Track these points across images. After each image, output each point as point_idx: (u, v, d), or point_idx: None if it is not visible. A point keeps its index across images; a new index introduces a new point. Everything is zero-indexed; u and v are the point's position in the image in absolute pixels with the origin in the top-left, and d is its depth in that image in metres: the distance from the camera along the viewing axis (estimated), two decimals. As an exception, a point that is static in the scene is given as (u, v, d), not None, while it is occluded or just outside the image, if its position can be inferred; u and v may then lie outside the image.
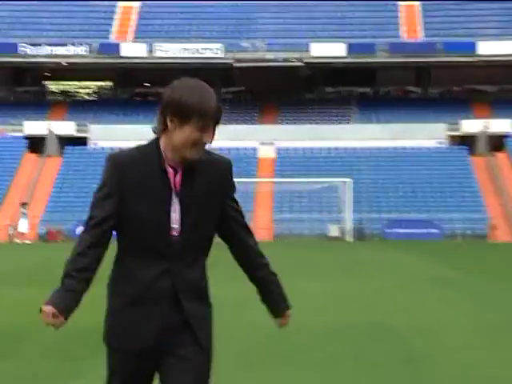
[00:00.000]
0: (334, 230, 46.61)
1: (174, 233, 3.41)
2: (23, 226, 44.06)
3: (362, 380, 7.16)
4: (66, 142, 55.97)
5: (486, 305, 13.03)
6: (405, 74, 60.76)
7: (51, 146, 55.72)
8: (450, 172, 52.07)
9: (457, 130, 56.24)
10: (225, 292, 12.94)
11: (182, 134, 3.31)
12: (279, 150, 54.84)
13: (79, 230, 45.02)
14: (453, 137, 56.31)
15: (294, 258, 26.29)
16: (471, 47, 56.04)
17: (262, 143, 55.03)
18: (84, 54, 56.94)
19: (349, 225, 46.01)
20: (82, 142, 56.14)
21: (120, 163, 3.39)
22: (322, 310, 12.38)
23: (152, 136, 3.44)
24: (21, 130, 56.60)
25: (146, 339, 3.42)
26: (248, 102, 59.22)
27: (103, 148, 54.54)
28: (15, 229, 44.66)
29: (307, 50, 56.70)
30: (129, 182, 3.37)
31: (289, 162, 54.02)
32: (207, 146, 3.39)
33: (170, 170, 3.39)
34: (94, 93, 65.07)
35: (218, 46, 56.85)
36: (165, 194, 3.39)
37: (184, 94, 3.28)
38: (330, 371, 7.52)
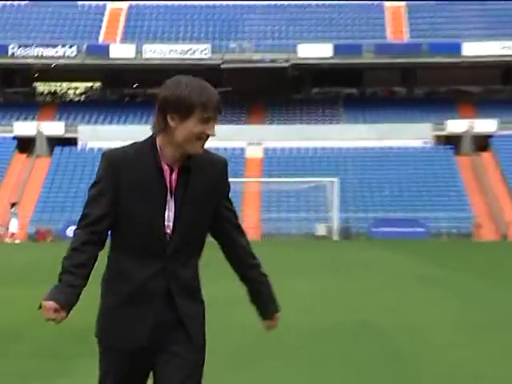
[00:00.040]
0: (321, 229, 46.77)
1: (169, 231, 3.40)
2: (14, 225, 44.28)
3: (350, 378, 7.23)
4: (55, 142, 55.99)
5: (472, 303, 13.09)
6: (391, 74, 60.98)
7: (40, 146, 55.78)
8: (435, 171, 52.29)
9: (442, 129, 56.41)
10: (215, 291, 13.12)
11: (185, 129, 3.30)
12: (267, 150, 54.95)
13: (69, 229, 45.53)
14: (438, 137, 56.45)
15: (282, 257, 26.20)
16: (456, 48, 56.32)
17: (250, 143, 55.12)
18: (73, 55, 56.98)
19: (336, 224, 46.20)
20: (71, 142, 56.14)
21: (115, 160, 3.37)
22: (310, 309, 12.39)
23: (146, 135, 3.43)
24: (10, 131, 56.55)
25: (140, 338, 3.41)
26: (235, 103, 59.52)
27: (92, 148, 54.98)
28: (7, 229, 44.86)
29: (294, 51, 56.92)
30: (124, 180, 3.35)
31: (276, 162, 54.19)
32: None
33: (166, 169, 3.38)
34: (83, 94, 65.04)
35: (206, 46, 56.96)
36: (160, 193, 3.37)
37: (183, 89, 3.29)
38: (318, 369, 7.56)
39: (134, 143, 3.43)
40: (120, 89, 63.31)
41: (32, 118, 58.60)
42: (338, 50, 56.77)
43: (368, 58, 57.07)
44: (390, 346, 8.87)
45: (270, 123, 58.61)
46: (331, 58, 56.72)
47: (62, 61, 56.98)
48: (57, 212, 48.62)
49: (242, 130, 55.16)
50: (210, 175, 3.44)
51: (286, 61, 56.75)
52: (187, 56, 56.34)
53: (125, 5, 62.76)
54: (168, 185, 3.37)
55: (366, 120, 58.10)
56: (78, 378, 7.18)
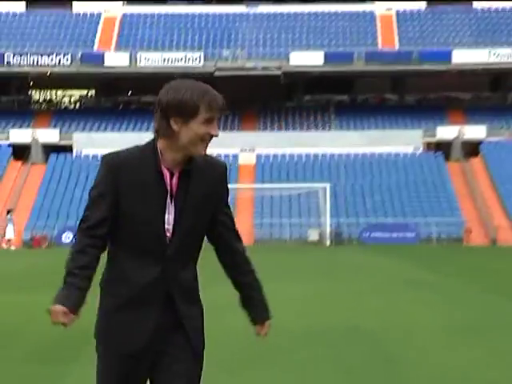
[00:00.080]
0: (313, 235, 47.08)
1: (169, 235, 3.37)
2: (9, 232, 44.49)
3: (342, 381, 7.28)
4: (51, 149, 56.25)
5: (462, 307, 13.12)
6: (382, 82, 61.35)
7: (36, 153, 56.05)
8: (426, 177, 52.63)
9: (432, 136, 56.82)
10: (208, 296, 13.38)
11: (190, 132, 3.29)
12: (259, 157, 55.21)
13: (64, 236, 45.97)
14: (429, 143, 56.88)
15: (275, 262, 26.27)
16: (446, 56, 56.73)
17: (243, 150, 55.34)
18: (68, 63, 57.14)
19: (328, 229, 46.45)
20: (66, 149, 56.35)
21: (115, 163, 3.34)
22: (302, 313, 12.40)
23: (141, 142, 3.45)
24: (6, 138, 56.84)
25: (140, 341, 3.37)
26: (228, 110, 59.83)
27: (87, 155, 55.39)
28: (2, 236, 45.03)
29: (287, 59, 57.33)
30: (124, 183, 3.33)
31: (269, 169, 54.52)
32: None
33: (166, 172, 3.35)
34: (78, 101, 65.22)
35: (199, 54, 57.30)
36: (160, 196, 3.35)
37: (185, 92, 3.27)
38: (311, 373, 7.60)
39: (134, 147, 3.42)
40: (114, 96, 63.47)
41: (27, 126, 58.87)
42: (329, 57, 57.11)
43: (359, 66, 57.41)
44: (381, 349, 8.90)
45: (263, 130, 58.93)
46: (322, 65, 57.07)
47: (57, 69, 57.24)
48: (52, 219, 48.89)
49: (235, 136, 55.16)
50: (210, 179, 3.43)
51: (278, 68, 57.05)
52: (181, 64, 56.60)
53: (119, 13, 63.17)
54: (168, 188, 3.35)
55: (357, 127, 58.47)
56: (72, 383, 7.20)
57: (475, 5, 62.88)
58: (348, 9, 63.07)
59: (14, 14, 62.67)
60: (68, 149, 56.62)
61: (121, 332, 3.39)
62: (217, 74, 56.01)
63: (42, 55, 57.57)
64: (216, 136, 3.34)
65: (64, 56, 57.46)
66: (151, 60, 57.30)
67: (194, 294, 3.50)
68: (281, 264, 26.32)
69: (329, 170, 54.03)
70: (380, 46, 60.11)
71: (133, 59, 57.44)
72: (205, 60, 57.09)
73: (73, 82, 61.69)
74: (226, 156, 53.04)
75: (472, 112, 59.07)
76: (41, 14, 62.87)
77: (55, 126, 58.93)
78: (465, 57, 56.85)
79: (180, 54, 57.68)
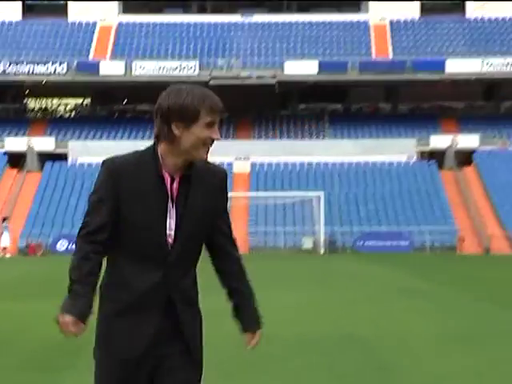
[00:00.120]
0: (307, 243, 47.20)
1: (170, 240, 3.35)
2: (5, 240, 44.56)
3: None
4: (46, 157, 56.24)
5: (455, 315, 13.12)
6: (375, 91, 61.53)
7: (31, 161, 56.10)
8: (419, 186, 52.76)
9: (426, 145, 56.98)
10: (205, 302, 13.49)
11: (191, 136, 3.28)
12: (254, 165, 55.33)
13: (59, 244, 46.09)
14: (422, 152, 57.13)
15: (269, 270, 26.34)
16: (440, 65, 56.99)
17: (237, 158, 55.42)
18: (63, 72, 57.23)
19: (322, 237, 46.58)
20: (61, 157, 56.43)
21: (115, 168, 3.32)
22: (296, 321, 12.40)
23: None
24: (1, 146, 56.87)
25: (140, 346, 3.34)
26: (223, 118, 59.97)
27: (82, 164, 55.52)
28: (-2, 244, 45.12)
29: (281, 68, 57.55)
30: (124, 188, 3.31)
31: (263, 177, 54.65)
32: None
33: (167, 177, 3.33)
34: (74, 110, 65.24)
35: (194, 63, 57.47)
36: (161, 201, 3.32)
37: (185, 97, 3.27)
38: (305, 381, 7.64)
39: (134, 152, 3.40)
40: (110, 105, 63.59)
41: (23, 134, 58.95)
42: (323, 67, 57.29)
43: (353, 75, 57.61)
44: (375, 357, 8.91)
45: (258, 138, 59.10)
46: (317, 74, 57.29)
47: (52, 77, 57.39)
48: (47, 226, 48.94)
49: (230, 145, 55.08)
50: (210, 185, 3.42)
51: (273, 77, 57.29)
52: (176, 73, 56.69)
53: (114, 22, 63.33)
54: (169, 193, 3.33)
55: (351, 135, 58.64)
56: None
57: (468, 14, 63.28)
58: (342, 18, 63.37)
59: (10, 23, 62.81)
60: (63, 157, 56.69)
61: (121, 337, 3.35)
62: (212, 82, 56.11)
63: (37, 64, 57.70)
64: (218, 139, 3.33)
65: (60, 64, 57.58)
66: (146, 69, 57.45)
67: (194, 299, 3.49)
68: (275, 272, 26.36)
69: (323, 178, 54.18)
70: (374, 55, 60.34)
71: (128, 68, 57.57)
72: (200, 69, 57.25)
73: (68, 91, 61.75)
74: (221, 164, 52.93)
75: (465, 121, 59.29)
76: (37, 23, 63.01)
77: (51, 134, 59.01)
78: (458, 66, 57.09)
79: (175, 63, 57.85)
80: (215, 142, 3.37)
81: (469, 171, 54.88)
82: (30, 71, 57.47)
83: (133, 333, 3.35)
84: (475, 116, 59.93)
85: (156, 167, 3.32)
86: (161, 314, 3.37)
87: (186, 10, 65.36)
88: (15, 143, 57.34)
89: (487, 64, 57.08)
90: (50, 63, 57.68)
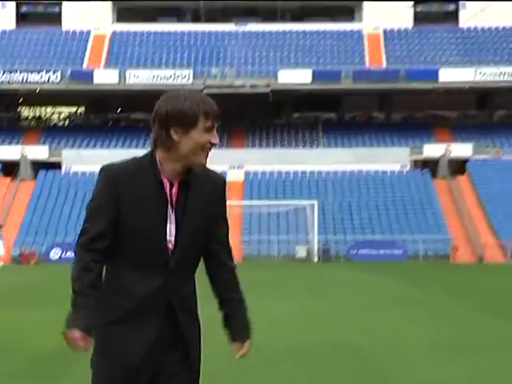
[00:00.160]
0: (301, 251, 47.22)
1: (170, 246, 3.33)
2: (0, 248, 44.45)
3: None
4: (40, 166, 56.29)
5: (448, 324, 13.13)
6: (369, 100, 61.64)
7: (25, 170, 56.15)
8: (413, 195, 52.92)
9: (419, 154, 57.13)
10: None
11: (190, 141, 3.27)
12: (248, 174, 55.41)
13: (53, 252, 46.06)
14: (415, 161, 57.25)
15: (262, 279, 26.43)
16: (433, 74, 57.17)
17: (231, 167, 55.46)
18: (57, 80, 57.30)
19: (315, 246, 46.61)
20: (55, 166, 56.45)
21: (114, 175, 3.30)
22: (289, 330, 12.41)
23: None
24: (-5, 155, 57.00)
25: (140, 353, 3.32)
26: (217, 127, 59.97)
27: (76, 172, 55.53)
28: (-7, 252, 45.02)
29: (275, 77, 57.67)
30: (123, 194, 3.29)
31: (257, 186, 54.67)
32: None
33: (166, 183, 3.32)
34: (67, 118, 65.26)
35: (188, 72, 57.58)
36: (161, 207, 3.31)
37: (184, 102, 3.26)
38: None
39: (132, 158, 3.39)
40: (104, 113, 63.60)
41: (16, 142, 58.91)
42: (317, 76, 57.44)
43: (346, 84, 57.76)
44: (369, 365, 8.93)
45: (251, 147, 59.20)
46: (310, 83, 57.44)
47: (46, 86, 57.40)
48: (41, 235, 48.95)
49: (224, 153, 55.05)
50: (209, 191, 3.41)
51: (267, 86, 57.42)
52: (170, 81, 56.78)
53: (108, 31, 63.44)
54: (168, 198, 3.32)
55: (345, 144, 58.76)
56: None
57: (462, 24, 63.55)
58: (336, 27, 63.60)
59: (4, 32, 62.85)
60: (57, 165, 56.71)
61: (121, 344, 3.32)
62: (206, 91, 56.05)
63: (31, 72, 57.76)
64: (216, 144, 3.33)
65: (53, 73, 57.64)
66: (140, 77, 57.53)
67: (193, 306, 3.47)
68: (268, 280, 26.43)
69: (317, 187, 54.27)
70: (367, 64, 60.50)
71: (122, 76, 57.62)
72: (194, 78, 57.32)
73: (62, 99, 61.80)
74: (215, 173, 52.97)
75: (458, 130, 59.46)
76: (30, 32, 63.07)
77: (44, 143, 59.05)
78: (451, 75, 57.29)
79: (169, 72, 57.95)
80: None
81: (462, 180, 55.05)
82: (24, 80, 57.52)
83: (133, 339, 3.33)
84: (468, 125, 60.11)
85: (155, 173, 3.31)
86: (161, 320, 3.35)
87: (180, 18, 65.53)
88: (9, 152, 57.36)
89: (480, 73, 57.30)
90: (44, 72, 57.76)
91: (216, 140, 3.32)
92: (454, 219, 50.95)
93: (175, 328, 3.37)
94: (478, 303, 17.23)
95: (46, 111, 65.69)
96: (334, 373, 8.45)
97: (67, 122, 65.11)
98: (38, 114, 65.63)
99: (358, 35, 62.94)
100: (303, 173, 55.64)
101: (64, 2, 63.56)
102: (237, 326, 3.53)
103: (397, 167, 55.85)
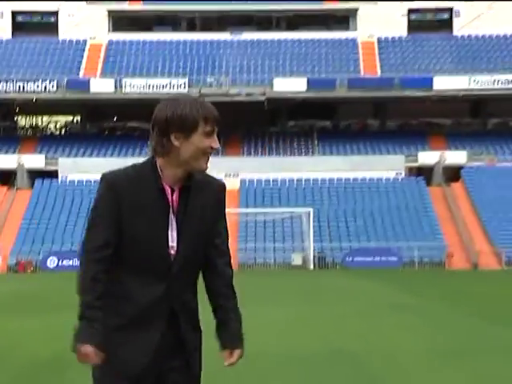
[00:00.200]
0: (297, 259, 47.31)
1: (172, 252, 3.31)
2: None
3: None
4: (36, 175, 56.41)
5: (444, 330, 13.11)
6: (364, 107, 61.86)
7: (21, 179, 56.30)
8: (408, 202, 53.10)
9: (414, 161, 57.40)
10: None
11: (191, 146, 3.25)
12: (243, 182, 55.54)
13: (49, 261, 46.17)
14: (410, 168, 57.48)
15: (258, 286, 26.48)
16: (427, 82, 57.43)
17: (227, 175, 55.44)
18: (54, 89, 57.46)
19: (311, 253, 46.77)
20: (51, 175, 56.51)
21: (115, 182, 3.28)
22: (285, 336, 12.39)
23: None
24: (-8, 164, 56.98)
25: (143, 360, 3.29)
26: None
27: (72, 181, 55.65)
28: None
29: (270, 85, 57.93)
30: (125, 202, 3.26)
31: (253, 193, 54.83)
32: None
33: (168, 189, 3.30)
34: (64, 127, 65.37)
35: (184, 81, 57.77)
36: (162, 213, 3.29)
37: (183, 107, 3.24)
38: None
39: (132, 165, 3.37)
40: (100, 122, 63.77)
41: (13, 151, 59.09)
42: (311, 84, 57.71)
43: (341, 92, 58.01)
44: (364, 372, 8.89)
45: (247, 155, 59.42)
46: (306, 91, 57.67)
47: (42, 95, 57.60)
48: (37, 243, 49.02)
49: (219, 161, 54.73)
50: (210, 196, 3.38)
51: (262, 94, 57.67)
52: (165, 90, 56.85)
53: (105, 40, 63.63)
54: (170, 204, 3.30)
55: (340, 152, 59.01)
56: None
57: (456, 32, 63.89)
58: (330, 36, 63.92)
59: (0, 41, 63.04)
60: (53, 174, 56.78)
61: (123, 351, 3.28)
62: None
63: (27, 81, 57.93)
64: (217, 148, 3.32)
65: (50, 82, 57.83)
66: (136, 86, 57.71)
67: (195, 313, 3.44)
68: (264, 288, 26.48)
69: (312, 194, 54.43)
70: (362, 72, 60.77)
71: (118, 85, 57.85)
72: (189, 86, 57.45)
73: (58, 108, 61.98)
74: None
75: (453, 137, 59.72)
76: (27, 41, 63.29)
77: (41, 152, 59.18)
78: (445, 83, 57.58)
79: (165, 81, 58.16)
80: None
81: (457, 187, 55.26)
82: (21, 89, 57.68)
83: (135, 346, 3.29)
84: (463, 133, 60.33)
85: (156, 179, 3.29)
86: (163, 327, 3.32)
87: (176, 28, 65.77)
88: (5, 160, 57.52)
89: (474, 81, 57.59)
90: (41, 81, 57.93)
91: (217, 144, 3.30)
92: (448, 226, 51.12)
93: (177, 335, 3.35)
94: (474, 310, 17.23)
95: (43, 120, 65.84)
96: (330, 379, 8.45)
97: (63, 131, 65.24)
98: (34, 123, 65.79)
99: (352, 43, 63.29)
100: (299, 180, 55.80)
101: (60, 12, 63.77)
102: (226, 333, 3.45)
103: (392, 175, 56.04)
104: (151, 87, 57.57)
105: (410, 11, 64.11)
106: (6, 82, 57.84)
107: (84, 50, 62.88)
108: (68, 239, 49.41)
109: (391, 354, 10.30)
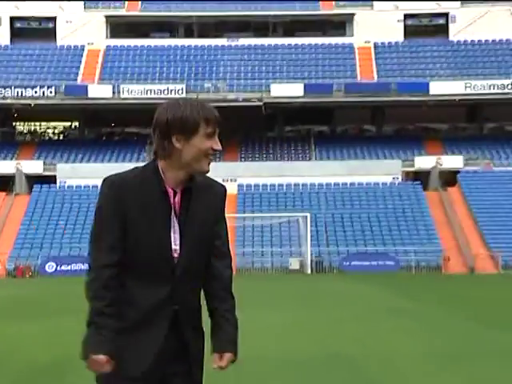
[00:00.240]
0: (294, 263, 47.37)
1: (175, 255, 3.29)
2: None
3: None
4: (34, 180, 56.54)
5: (441, 334, 13.10)
6: (361, 112, 61.88)
7: (20, 184, 56.43)
8: (404, 206, 53.21)
9: (411, 166, 57.55)
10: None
11: (193, 148, 3.25)
12: (241, 187, 55.60)
13: (48, 266, 46.28)
14: (407, 173, 57.65)
15: (256, 290, 26.51)
16: (423, 87, 57.64)
17: (224, 180, 55.56)
18: (52, 95, 57.59)
19: (309, 258, 46.83)
20: (49, 180, 56.59)
21: (118, 186, 3.26)
22: (283, 340, 12.38)
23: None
24: (-9, 170, 57.01)
25: (147, 363, 3.27)
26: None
27: (71, 186, 55.76)
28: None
29: (268, 91, 58.14)
30: (128, 205, 3.25)
31: (250, 198, 54.91)
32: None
33: (170, 191, 3.29)
34: (62, 133, 65.53)
35: (181, 86, 57.93)
36: (165, 216, 3.28)
37: (184, 109, 3.24)
38: None
39: (134, 168, 3.37)
40: (98, 128, 63.92)
41: (11, 157, 59.27)
42: (308, 89, 57.91)
43: (338, 97, 58.20)
44: (362, 376, 8.89)
45: (245, 160, 59.61)
46: (303, 96, 57.82)
47: (41, 101, 57.75)
48: (35, 248, 49.07)
49: (217, 166, 54.79)
50: (211, 199, 3.38)
51: (260, 100, 57.87)
52: (163, 96, 56.82)
53: (102, 46, 63.81)
54: (172, 207, 3.29)
55: (337, 157, 59.14)
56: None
57: (451, 37, 64.14)
58: (327, 41, 64.15)
59: (-2, 47, 63.31)
60: (52, 179, 56.84)
61: (128, 354, 3.26)
62: (199, 105, 56.47)
63: (26, 87, 58.12)
64: (219, 150, 3.32)
65: (48, 88, 57.97)
66: (134, 92, 57.87)
67: (199, 318, 3.42)
68: (262, 292, 26.58)
69: (309, 199, 54.53)
70: (359, 77, 60.95)
71: (116, 91, 58.01)
72: (187, 92, 57.53)
73: (57, 114, 61.99)
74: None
75: (449, 142, 59.95)
76: (25, 47, 63.50)
77: (39, 157, 59.35)
78: (442, 88, 57.82)
79: (162, 86, 58.31)
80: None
81: (453, 191, 55.36)
82: (19, 95, 57.82)
83: (139, 349, 3.27)
84: (459, 137, 60.55)
85: (159, 182, 3.28)
86: (166, 330, 3.29)
87: (173, 34, 65.99)
88: (4, 166, 57.71)
89: (470, 86, 57.77)
90: (39, 87, 58.09)
91: (218, 146, 3.30)
92: (445, 230, 51.22)
93: (180, 338, 3.33)
94: (471, 314, 17.29)
95: (41, 126, 65.94)
96: (327, 383, 8.46)
97: (62, 137, 65.42)
98: (32, 129, 65.88)
99: (349, 49, 63.55)
100: (296, 185, 55.86)
101: (58, 18, 63.95)
102: (217, 336, 3.39)
103: (388, 179, 56.16)
104: (149, 93, 57.69)
105: (406, 17, 64.36)
106: (5, 88, 57.97)
107: (82, 56, 63.06)
108: (66, 244, 49.59)
109: (388, 358, 10.30)
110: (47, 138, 65.24)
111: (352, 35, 64.23)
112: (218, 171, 55.04)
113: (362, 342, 12.11)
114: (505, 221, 50.71)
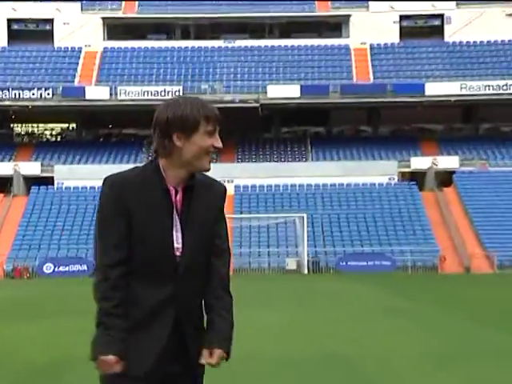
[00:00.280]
0: (291, 264, 47.42)
1: (178, 253, 3.28)
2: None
3: None
4: (32, 181, 56.59)
5: (437, 334, 13.08)
6: (357, 113, 61.98)
7: (17, 185, 56.49)
8: (400, 207, 53.36)
9: (407, 166, 57.67)
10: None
11: (194, 146, 3.25)
12: (238, 188, 55.69)
13: (45, 267, 46.43)
14: (403, 173, 57.76)
15: (253, 290, 26.54)
16: (419, 88, 57.82)
17: (221, 181, 55.58)
18: (49, 97, 57.66)
19: (305, 258, 46.92)
20: (47, 181, 56.63)
21: (119, 185, 3.25)
22: (279, 341, 12.37)
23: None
24: (-12, 171, 57.06)
25: (149, 362, 3.26)
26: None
27: (68, 187, 55.85)
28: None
29: (264, 92, 58.29)
30: (130, 203, 3.24)
31: (247, 199, 55.04)
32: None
33: (172, 190, 3.29)
34: (59, 134, 65.57)
35: (178, 88, 57.95)
36: (167, 214, 3.27)
37: (184, 107, 3.24)
38: None
39: (135, 167, 3.37)
40: (95, 129, 63.94)
41: (9, 159, 59.34)
42: (305, 90, 58.04)
43: (334, 98, 58.27)
44: (358, 376, 8.88)
45: (241, 161, 59.71)
46: (299, 98, 57.92)
47: (38, 103, 57.81)
48: (33, 250, 49.15)
49: (214, 167, 52.90)
50: (212, 197, 3.39)
51: (256, 101, 57.98)
52: (160, 97, 56.85)
53: (99, 48, 63.92)
54: (174, 205, 3.29)
55: (333, 158, 59.29)
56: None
57: (447, 38, 64.33)
58: (323, 43, 64.34)
59: (-4, 49, 63.38)
60: (49, 181, 56.87)
61: (130, 354, 3.23)
62: (195, 106, 56.56)
63: (23, 89, 58.15)
64: (220, 148, 3.32)
65: (45, 90, 58.03)
66: (131, 93, 57.96)
67: (200, 316, 3.41)
68: (259, 292, 26.59)
69: (306, 200, 54.62)
70: (355, 78, 61.08)
71: (113, 93, 58.09)
72: (183, 93, 57.56)
73: (54, 116, 61.99)
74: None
75: (445, 143, 60.09)
76: (22, 49, 63.56)
77: (37, 159, 59.41)
78: (437, 89, 57.98)
79: (159, 88, 58.41)
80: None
81: (449, 192, 55.49)
82: (16, 96, 57.89)
83: (142, 348, 3.26)
84: (454, 138, 60.69)
85: (160, 181, 3.28)
86: (169, 330, 3.28)
87: (170, 36, 66.11)
88: (2, 168, 57.75)
89: (466, 87, 57.98)
90: (36, 89, 58.16)
91: (219, 143, 3.31)
92: (441, 230, 51.33)
93: (182, 338, 3.31)
94: (467, 313, 17.31)
95: (39, 127, 66.03)
96: (323, 383, 8.48)
97: (59, 138, 65.42)
98: (30, 131, 65.94)
99: (345, 50, 63.67)
100: (292, 186, 55.99)
101: (55, 20, 64.09)
102: (209, 332, 3.35)
103: (384, 180, 56.29)
104: (146, 94, 57.75)
105: (402, 18, 64.52)
106: (2, 90, 58.01)
107: (79, 58, 63.15)
108: (64, 245, 49.73)
109: (385, 358, 10.29)
110: (45, 139, 65.28)
111: (348, 36, 64.42)
112: (214, 172, 53.64)
113: (358, 342, 12.13)
114: (500, 221, 50.90)
